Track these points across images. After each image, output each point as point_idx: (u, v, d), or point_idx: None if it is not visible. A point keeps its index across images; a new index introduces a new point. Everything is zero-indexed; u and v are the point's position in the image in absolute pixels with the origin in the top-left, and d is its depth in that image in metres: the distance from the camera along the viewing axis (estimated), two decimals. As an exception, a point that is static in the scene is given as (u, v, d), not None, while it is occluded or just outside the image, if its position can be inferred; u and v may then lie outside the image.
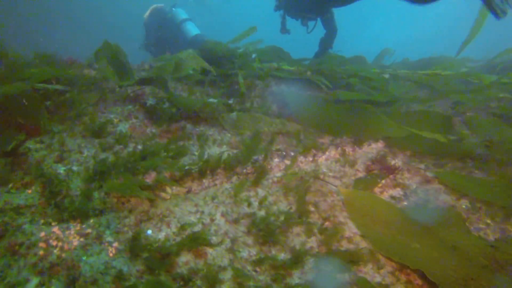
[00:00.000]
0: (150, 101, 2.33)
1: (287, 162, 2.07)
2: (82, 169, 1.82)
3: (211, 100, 2.41)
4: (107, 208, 1.59)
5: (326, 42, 5.11)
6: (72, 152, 1.95)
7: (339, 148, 2.27)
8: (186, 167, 1.77)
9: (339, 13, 5.85)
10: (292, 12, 5.28)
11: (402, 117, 2.34)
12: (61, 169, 1.80)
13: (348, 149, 2.29)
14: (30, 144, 1.96)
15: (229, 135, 2.32)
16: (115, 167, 1.81)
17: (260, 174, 1.88)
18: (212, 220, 1.62)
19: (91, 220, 1.53)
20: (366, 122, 2.33)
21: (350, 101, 2.81)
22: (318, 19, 5.17)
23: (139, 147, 2.08)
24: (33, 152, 1.90)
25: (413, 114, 2.39)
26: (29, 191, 1.63)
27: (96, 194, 1.63)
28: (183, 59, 2.28)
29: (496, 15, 3.31)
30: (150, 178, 1.77)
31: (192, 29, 7.97)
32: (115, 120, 2.33)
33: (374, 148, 2.38)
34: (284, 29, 5.61)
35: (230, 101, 2.63)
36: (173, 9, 8.35)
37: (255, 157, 2.04)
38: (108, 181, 1.69)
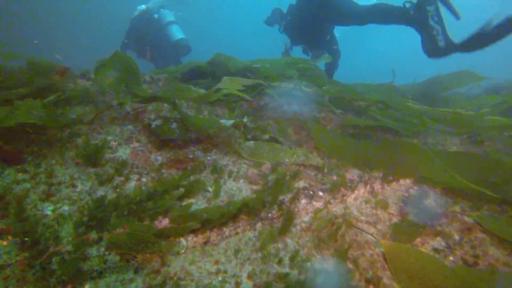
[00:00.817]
0: (156, 122, 1.99)
1: (316, 203, 1.77)
2: (75, 210, 1.46)
3: (223, 121, 2.09)
4: (107, 269, 1.24)
5: (331, 66, 4.95)
6: (62, 186, 1.59)
7: (368, 186, 2.00)
8: (204, 214, 1.44)
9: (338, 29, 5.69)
10: (294, 42, 5.14)
11: (437, 155, 2.10)
12: (48, 210, 1.44)
13: (377, 187, 2.02)
14: (9, 174, 1.58)
15: (245, 166, 2.00)
16: (116, 209, 1.46)
17: (289, 220, 1.57)
18: (238, 284, 1.30)
19: (86, 287, 1.18)
20: (400, 158, 2.07)
21: (378, 134, 2.56)
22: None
23: (144, 179, 1.74)
24: (12, 186, 1.52)
25: (450, 154, 2.15)
26: (5, 243, 1.26)
27: (94, 250, 1.28)
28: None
29: (456, 14, 3.21)
30: (160, 225, 1.44)
31: (176, 32, 7.68)
32: (114, 144, 1.98)
33: (403, 185, 2.13)
34: (286, 53, 5.43)
35: (245, 120, 2.32)
36: (161, 10, 8.03)
37: (280, 198, 1.74)
38: (109, 231, 1.35)
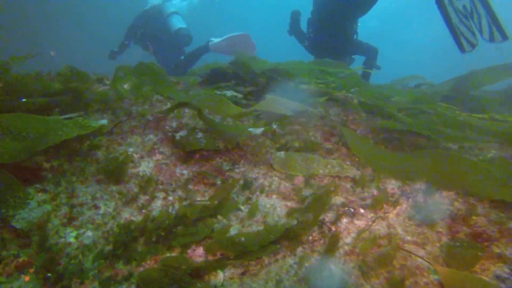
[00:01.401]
0: (181, 133, 1.83)
1: (358, 222, 1.61)
2: (99, 235, 1.32)
3: (252, 129, 1.93)
4: (139, 309, 1.10)
5: (368, 63, 4.65)
6: (84, 207, 1.45)
7: (411, 200, 1.82)
8: (242, 238, 1.28)
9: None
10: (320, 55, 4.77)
11: (483, 165, 1.90)
12: (71, 236, 1.30)
13: (420, 200, 1.84)
14: (30, 193, 1.45)
15: (276, 179, 1.84)
16: (143, 233, 1.32)
17: (332, 245, 1.41)
18: (284, 323, 1.15)
19: (118, 331, 1.04)
20: (444, 169, 1.88)
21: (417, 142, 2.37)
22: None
23: (170, 198, 1.59)
24: (32, 207, 1.39)
25: (495, 162, 1.95)
26: (27, 278, 1.13)
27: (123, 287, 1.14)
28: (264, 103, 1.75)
29: (462, 47, 2.86)
30: (193, 254, 1.29)
31: (177, 22, 7.45)
32: (136, 156, 1.83)
33: (446, 197, 1.94)
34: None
35: (274, 126, 2.15)
36: (165, 2, 7.81)
37: (320, 217, 1.58)
38: (137, 261, 1.20)
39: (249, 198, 1.67)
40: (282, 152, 1.87)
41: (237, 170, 1.86)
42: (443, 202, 1.90)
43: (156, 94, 2.46)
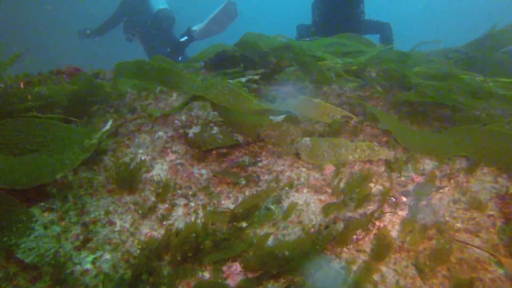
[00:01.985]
0: (193, 130, 1.62)
1: (401, 213, 1.42)
2: (118, 258, 1.14)
3: (272, 117, 1.71)
4: None
5: (385, 40, 4.35)
6: (98, 225, 1.26)
7: (452, 181, 1.63)
8: (286, 252, 1.10)
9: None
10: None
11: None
12: (87, 262, 1.13)
13: (462, 180, 1.66)
14: (34, 214, 1.26)
15: (304, 170, 1.64)
16: (168, 251, 1.14)
17: (382, 246, 1.23)
18: None
19: None
20: (484, 144, 1.68)
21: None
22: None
23: (192, 204, 1.40)
24: (39, 232, 1.21)
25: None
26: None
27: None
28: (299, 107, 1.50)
29: None
30: (229, 271, 1.11)
31: (157, 3, 6.98)
32: (147, 158, 1.63)
33: (488, 174, 1.75)
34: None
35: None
36: None
37: (360, 211, 1.39)
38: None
39: (278, 196, 1.49)
40: (308, 139, 1.66)
41: (260, 164, 1.66)
42: (486, 180, 1.71)
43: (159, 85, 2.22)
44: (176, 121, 1.94)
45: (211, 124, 1.60)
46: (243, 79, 1.85)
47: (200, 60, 2.47)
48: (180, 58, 6.60)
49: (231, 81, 1.78)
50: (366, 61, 2.30)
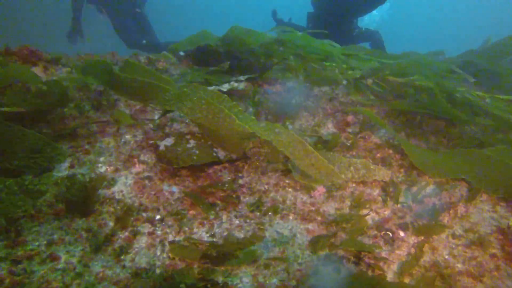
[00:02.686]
0: (165, 142, 1.35)
1: (399, 252, 1.24)
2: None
3: (262, 125, 1.46)
4: None
5: (376, 45, 4.28)
6: (35, 261, 1.00)
7: (452, 211, 1.47)
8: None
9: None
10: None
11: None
12: (16, 315, 0.87)
13: (461, 210, 1.50)
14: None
15: (291, 190, 1.43)
16: (123, 301, 0.91)
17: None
18: None
19: None
20: (485, 169, 1.52)
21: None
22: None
23: (158, 231, 1.16)
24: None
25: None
26: None
27: None
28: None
29: None
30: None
31: None
32: (109, 170, 1.36)
33: (486, 201, 1.60)
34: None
35: (288, 124, 1.70)
36: None
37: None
38: None
39: (260, 223, 1.27)
40: None
41: (241, 182, 1.42)
42: (484, 208, 1.56)
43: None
44: (147, 123, 1.67)
45: (187, 136, 1.33)
46: (225, 87, 1.59)
47: (180, 50, 2.17)
48: (144, 42, 6.15)
49: (211, 88, 1.51)
50: (371, 69, 2.08)
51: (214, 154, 1.31)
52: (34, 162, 1.20)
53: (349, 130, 1.93)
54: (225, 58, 1.84)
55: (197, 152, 1.28)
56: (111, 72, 1.27)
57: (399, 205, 1.43)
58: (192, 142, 1.30)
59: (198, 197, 1.24)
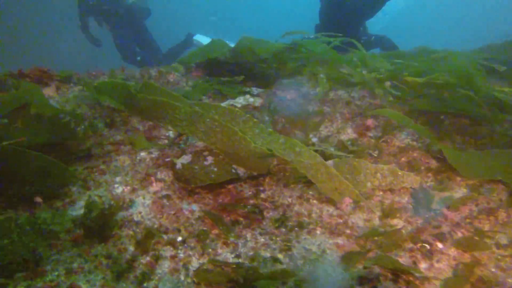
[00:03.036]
0: (182, 160, 1.29)
1: (438, 265, 1.15)
2: None
3: (281, 141, 1.38)
4: None
5: (388, 48, 4.23)
6: (62, 287, 0.95)
7: (492, 217, 1.36)
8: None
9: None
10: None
11: None
12: None
13: (502, 216, 1.38)
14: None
15: (316, 203, 1.34)
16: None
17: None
18: None
19: None
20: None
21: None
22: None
23: (181, 254, 1.09)
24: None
25: None
26: None
27: None
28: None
29: None
30: None
31: None
32: (126, 190, 1.31)
33: (524, 203, 1.49)
34: None
35: (312, 138, 1.62)
36: None
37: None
38: None
39: (286, 240, 1.19)
40: (331, 162, 1.35)
41: (263, 196, 1.35)
42: (524, 212, 1.44)
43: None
44: (162, 137, 1.62)
45: (205, 153, 1.27)
46: (240, 102, 1.52)
47: (191, 62, 2.12)
48: (138, 58, 6.20)
49: (225, 103, 1.44)
50: (388, 70, 1.99)
51: (234, 171, 1.24)
52: (45, 186, 1.15)
53: (370, 134, 1.84)
54: (238, 68, 1.78)
55: (215, 169, 1.21)
56: (129, 93, 1.22)
57: (432, 213, 1.33)
58: (209, 159, 1.23)
59: (218, 218, 1.17)
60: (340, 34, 2.30)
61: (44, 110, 1.31)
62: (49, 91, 1.83)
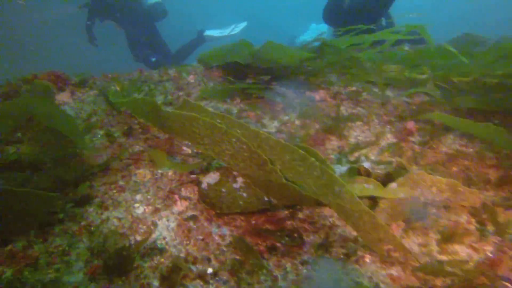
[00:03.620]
0: (209, 178, 1.12)
1: (518, 304, 0.96)
2: None
3: (316, 174, 1.19)
4: None
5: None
6: None
7: None
8: None
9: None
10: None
11: None
12: None
13: None
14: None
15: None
16: None
17: None
18: None
19: None
20: None
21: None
22: None
23: (212, 291, 0.94)
24: None
25: None
26: None
27: None
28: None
29: None
30: None
31: None
32: (147, 210, 1.16)
33: None
34: None
35: (364, 163, 1.42)
36: None
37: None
38: None
39: (332, 271, 1.02)
40: (394, 185, 1.16)
41: (300, 215, 1.18)
42: None
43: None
44: (183, 148, 1.46)
45: (235, 173, 1.09)
46: (275, 126, 1.33)
47: (212, 62, 1.95)
48: (153, 59, 6.07)
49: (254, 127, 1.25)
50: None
51: (266, 199, 1.06)
52: (35, 221, 1.01)
53: (412, 139, 1.64)
54: (262, 71, 1.59)
55: (245, 195, 1.03)
56: (159, 111, 1.05)
57: (498, 238, 1.13)
58: (239, 181, 1.05)
59: (249, 249, 1.00)
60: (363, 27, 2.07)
61: (54, 121, 1.16)
62: (63, 97, 1.69)
